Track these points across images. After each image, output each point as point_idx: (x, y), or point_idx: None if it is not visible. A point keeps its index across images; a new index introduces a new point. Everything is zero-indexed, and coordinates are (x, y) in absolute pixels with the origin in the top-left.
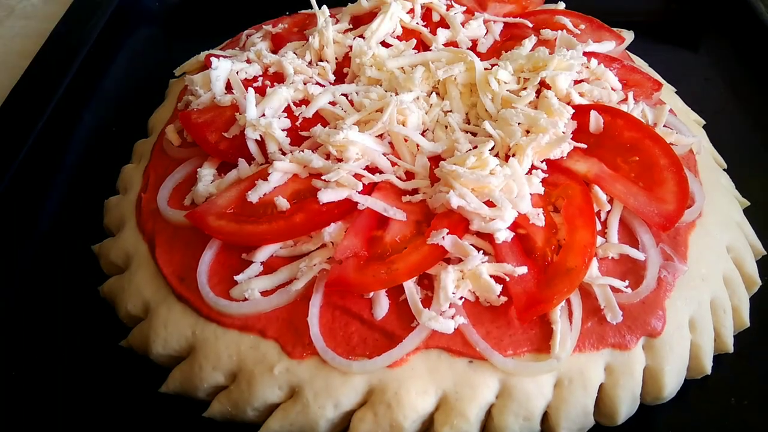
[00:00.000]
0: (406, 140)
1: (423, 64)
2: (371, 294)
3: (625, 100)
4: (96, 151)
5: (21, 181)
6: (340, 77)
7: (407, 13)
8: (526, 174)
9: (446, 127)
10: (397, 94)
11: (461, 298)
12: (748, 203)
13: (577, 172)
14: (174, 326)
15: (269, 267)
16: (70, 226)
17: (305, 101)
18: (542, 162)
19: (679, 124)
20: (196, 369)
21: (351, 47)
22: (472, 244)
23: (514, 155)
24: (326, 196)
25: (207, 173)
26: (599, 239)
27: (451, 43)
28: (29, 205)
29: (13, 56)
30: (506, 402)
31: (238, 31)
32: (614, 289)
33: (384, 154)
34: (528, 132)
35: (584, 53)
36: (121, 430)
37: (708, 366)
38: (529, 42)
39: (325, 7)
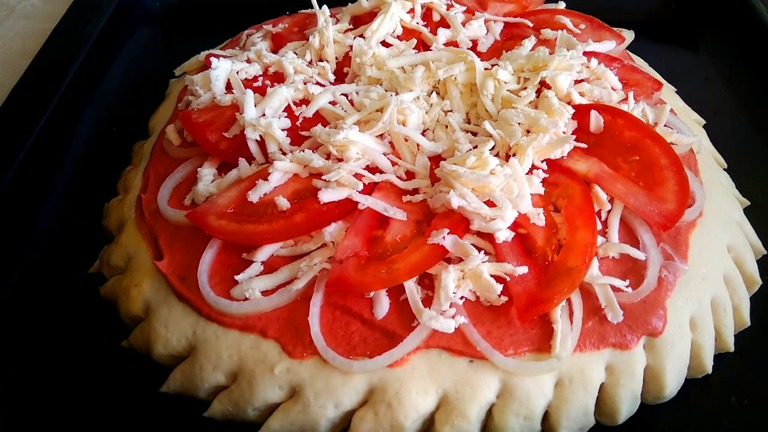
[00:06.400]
0: (406, 140)
1: (423, 63)
2: (372, 294)
3: (626, 99)
4: (96, 151)
5: (21, 180)
6: (340, 77)
7: (407, 12)
8: (527, 174)
9: (446, 126)
10: (397, 93)
11: (462, 297)
12: (748, 203)
13: (577, 171)
14: (175, 326)
15: (270, 267)
16: (70, 226)
17: (305, 101)
18: (542, 162)
19: (680, 123)
20: (196, 369)
21: (351, 47)
22: (472, 244)
23: (514, 155)
24: (327, 195)
25: (207, 173)
26: (600, 239)
27: (452, 43)
28: (29, 205)
29: (13, 56)
30: (507, 401)
31: (238, 31)
32: (615, 289)
33: (384, 154)
34: (528, 132)
35: (584, 53)
36: (121, 430)
37: (709, 365)
38: (530, 42)
39: (325, 6)
